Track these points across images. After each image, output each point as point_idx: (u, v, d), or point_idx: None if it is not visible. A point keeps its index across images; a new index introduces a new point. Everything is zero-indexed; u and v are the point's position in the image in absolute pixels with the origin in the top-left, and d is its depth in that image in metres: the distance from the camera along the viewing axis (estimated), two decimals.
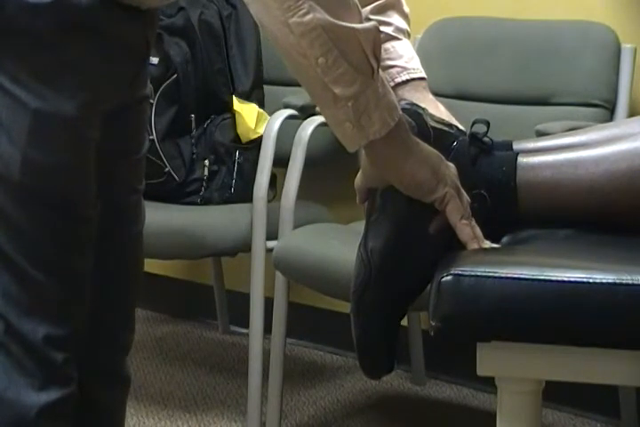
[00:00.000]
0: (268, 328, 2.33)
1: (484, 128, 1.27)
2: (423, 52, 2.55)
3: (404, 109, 1.26)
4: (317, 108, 1.25)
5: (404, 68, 1.41)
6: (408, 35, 1.46)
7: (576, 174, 1.23)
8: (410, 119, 1.25)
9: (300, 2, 1.11)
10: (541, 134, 1.94)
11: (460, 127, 1.32)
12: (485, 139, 1.27)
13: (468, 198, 1.21)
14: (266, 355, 2.33)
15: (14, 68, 1.23)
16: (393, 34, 1.42)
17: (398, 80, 1.40)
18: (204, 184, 2.56)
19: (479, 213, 1.22)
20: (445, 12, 2.59)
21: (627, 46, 2.33)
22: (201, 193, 2.56)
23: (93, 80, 1.27)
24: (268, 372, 2.32)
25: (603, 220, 1.22)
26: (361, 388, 2.67)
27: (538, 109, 2.37)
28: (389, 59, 1.41)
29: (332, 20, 1.11)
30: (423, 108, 1.29)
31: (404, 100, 1.31)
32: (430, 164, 1.19)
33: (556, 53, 2.38)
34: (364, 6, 1.41)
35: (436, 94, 2.45)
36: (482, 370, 1.12)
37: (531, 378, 1.13)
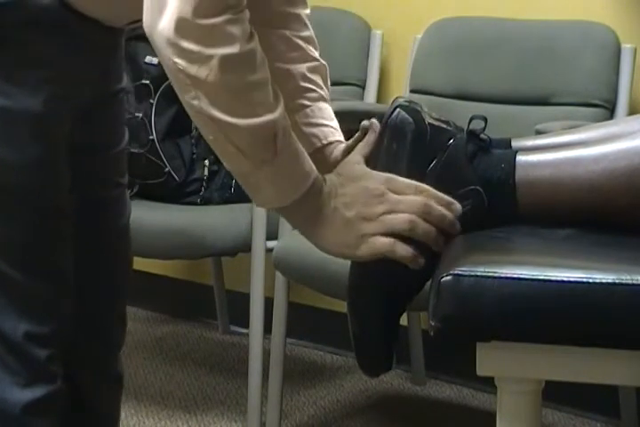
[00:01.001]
0: (268, 328, 2.33)
1: (482, 124, 1.27)
2: (423, 52, 2.56)
3: (401, 106, 1.26)
4: None
5: (336, 130, 1.40)
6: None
7: (575, 173, 1.23)
8: (407, 116, 1.25)
9: (189, 87, 1.11)
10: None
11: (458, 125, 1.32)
12: (483, 136, 1.27)
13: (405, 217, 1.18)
14: (266, 355, 2.33)
15: None
16: (325, 96, 1.42)
17: (331, 139, 1.39)
18: (204, 184, 2.56)
19: (475, 209, 1.22)
20: (445, 12, 2.59)
21: (627, 46, 2.33)
22: (201, 193, 2.56)
23: (58, 76, 1.27)
24: (268, 372, 2.32)
25: (602, 219, 1.22)
26: (361, 388, 2.67)
27: (538, 109, 2.37)
28: (322, 117, 1.40)
29: (215, 112, 1.11)
30: (420, 105, 1.28)
31: (402, 97, 1.31)
32: (345, 224, 1.19)
33: (556, 53, 2.38)
34: (300, 62, 1.41)
35: (436, 94, 2.48)
36: (482, 370, 1.11)
37: (531, 378, 1.13)
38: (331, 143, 1.38)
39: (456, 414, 2.55)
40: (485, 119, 1.27)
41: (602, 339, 1.07)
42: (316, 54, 1.43)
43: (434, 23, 2.57)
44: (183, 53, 1.09)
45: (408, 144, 1.23)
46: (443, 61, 2.52)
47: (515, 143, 1.31)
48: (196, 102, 1.11)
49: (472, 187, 1.23)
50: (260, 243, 2.33)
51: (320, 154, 1.37)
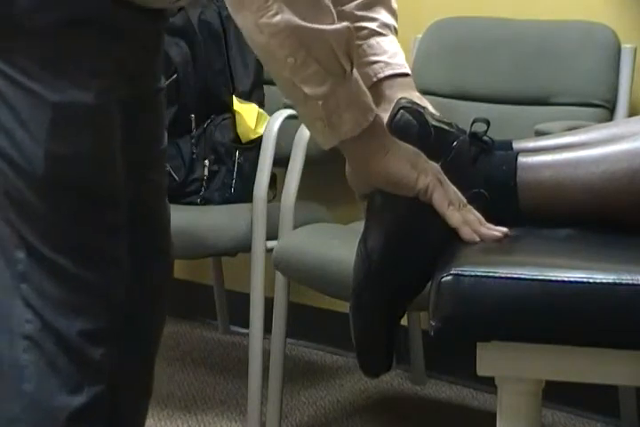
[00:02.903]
0: (268, 328, 2.33)
1: (484, 127, 1.27)
2: (423, 52, 2.56)
3: (404, 108, 1.26)
4: None
5: (388, 64, 1.41)
6: (395, 30, 1.45)
7: (576, 174, 1.23)
8: (410, 117, 1.25)
9: (269, 3, 1.12)
10: (541, 134, 1.93)
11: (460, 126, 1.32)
12: (485, 138, 1.27)
13: (455, 188, 1.21)
14: (266, 355, 2.33)
15: (29, 65, 1.23)
16: (377, 29, 1.42)
17: (381, 75, 1.40)
18: (204, 184, 2.56)
19: (479, 213, 1.22)
20: (445, 12, 2.59)
21: (627, 46, 2.33)
22: (201, 193, 2.56)
23: (106, 70, 1.26)
24: (268, 372, 2.32)
25: (603, 220, 1.22)
26: (361, 388, 2.67)
27: (538, 109, 2.37)
28: (373, 54, 1.41)
29: (300, 21, 1.12)
30: (424, 107, 1.29)
31: (405, 98, 1.31)
32: (408, 158, 1.20)
33: (556, 53, 2.38)
34: (350, 1, 1.41)
35: (436, 94, 2.48)
36: (482, 370, 1.12)
37: (531, 378, 1.13)
38: (382, 79, 1.39)
39: (456, 414, 2.55)
40: (488, 122, 1.27)
41: (602, 339, 1.07)
42: None
43: (434, 23, 2.57)
44: None
45: (412, 146, 1.24)
46: (443, 61, 2.52)
47: (516, 145, 1.32)
48: (277, 18, 1.12)
49: (476, 190, 1.24)
50: (260, 243, 2.33)
51: (373, 91, 1.36)
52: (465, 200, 1.21)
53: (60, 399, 1.28)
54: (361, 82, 1.19)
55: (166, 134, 1.47)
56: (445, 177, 1.21)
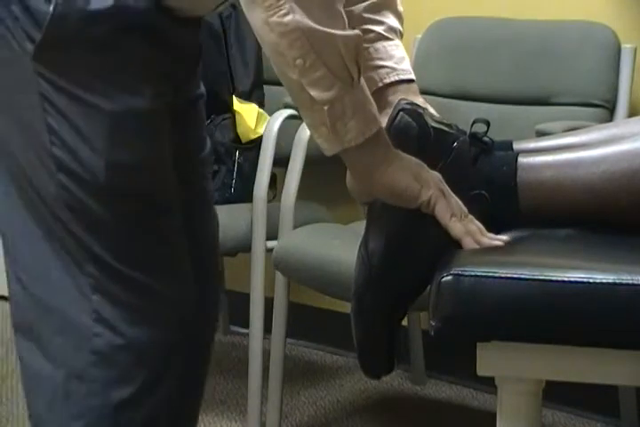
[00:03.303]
0: (268, 328, 2.33)
1: (484, 128, 1.27)
2: (423, 52, 2.56)
3: (403, 109, 1.26)
4: None
5: (394, 69, 1.41)
6: (400, 34, 1.46)
7: (576, 175, 1.23)
8: (410, 119, 1.25)
9: (282, 2, 1.11)
10: (541, 134, 1.94)
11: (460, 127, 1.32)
12: (486, 139, 1.27)
13: (457, 199, 1.22)
14: (266, 355, 2.33)
15: (81, 76, 1.23)
16: (384, 33, 1.42)
17: (387, 81, 1.40)
18: None
19: (480, 214, 1.22)
20: (445, 12, 2.59)
21: (627, 46, 2.33)
22: None
23: (154, 76, 1.27)
24: (268, 372, 2.32)
25: (603, 220, 1.22)
26: (361, 388, 2.67)
27: (538, 109, 2.37)
28: (379, 59, 1.41)
29: (311, 23, 1.12)
30: (423, 108, 1.29)
31: (405, 99, 1.31)
32: (410, 170, 1.20)
33: (556, 53, 2.38)
34: (357, 3, 1.41)
35: (436, 94, 2.48)
36: (482, 370, 1.12)
37: (531, 378, 1.13)
38: (388, 85, 1.39)
39: (456, 414, 2.55)
40: (488, 123, 1.27)
41: (602, 339, 1.07)
42: None
43: (434, 23, 2.57)
44: None
45: (412, 148, 1.24)
46: (443, 61, 2.52)
47: (516, 145, 1.32)
48: (289, 18, 1.11)
49: (477, 191, 1.24)
50: (260, 243, 2.33)
51: (378, 96, 1.37)
52: (466, 210, 1.21)
53: (124, 415, 1.30)
54: (367, 91, 1.19)
55: (207, 141, 1.46)
56: (447, 188, 1.21)
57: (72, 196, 1.25)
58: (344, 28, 1.14)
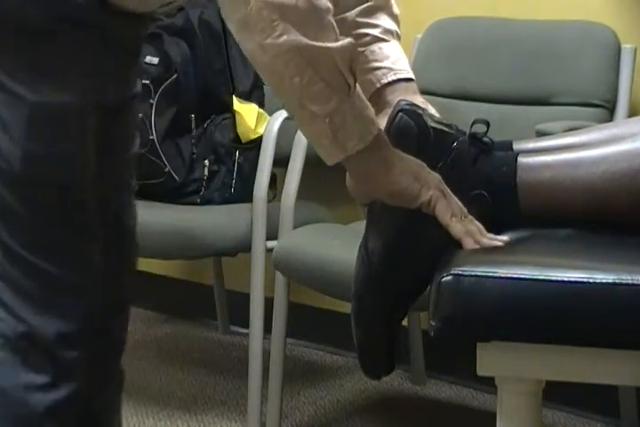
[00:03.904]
0: (268, 328, 2.33)
1: (484, 128, 1.27)
2: (423, 52, 2.56)
3: (403, 110, 1.26)
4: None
5: (391, 69, 1.41)
6: (397, 36, 1.46)
7: (576, 175, 1.23)
8: (409, 120, 1.25)
9: (275, 24, 1.11)
10: (541, 134, 1.94)
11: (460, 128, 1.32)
12: (485, 139, 1.27)
13: (457, 199, 1.22)
14: (266, 355, 2.33)
15: (12, 64, 1.23)
16: (380, 36, 1.43)
17: (384, 81, 1.41)
18: (204, 184, 2.56)
19: (480, 214, 1.22)
20: (445, 12, 2.59)
21: (627, 46, 2.33)
22: (201, 193, 2.56)
23: (88, 72, 1.27)
24: (268, 372, 2.32)
25: (603, 220, 1.22)
26: (361, 388, 2.67)
27: (538, 109, 2.37)
28: (375, 60, 1.41)
29: (306, 41, 1.12)
30: (423, 109, 1.29)
31: (404, 100, 1.32)
32: (411, 171, 1.21)
33: (556, 53, 2.38)
34: (351, 9, 1.42)
35: (436, 94, 2.48)
36: (482, 370, 1.12)
37: (531, 378, 1.13)
38: (385, 85, 1.40)
39: (456, 414, 2.55)
40: (488, 123, 1.27)
41: (602, 339, 1.07)
42: None
43: (434, 23, 2.57)
44: None
45: (412, 148, 1.24)
46: (443, 61, 2.52)
47: (516, 146, 1.32)
48: (283, 39, 1.11)
49: (477, 191, 1.24)
50: (260, 243, 2.33)
51: (377, 97, 1.39)
52: (466, 211, 1.21)
53: (34, 396, 1.29)
54: (362, 95, 1.19)
55: (139, 140, 1.47)
56: (447, 188, 1.21)
57: None
58: (337, 39, 1.15)
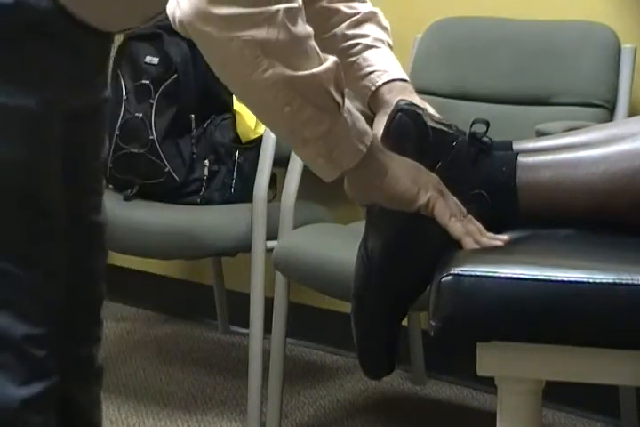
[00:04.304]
0: (268, 328, 2.33)
1: (484, 128, 1.27)
2: (423, 52, 2.56)
3: (402, 110, 1.26)
4: None
5: (384, 71, 1.42)
6: (389, 45, 1.47)
7: (576, 175, 1.23)
8: (408, 119, 1.25)
9: (259, 59, 1.11)
10: (541, 134, 1.94)
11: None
12: (485, 139, 1.27)
13: (455, 199, 1.22)
14: (266, 355, 2.33)
15: None
16: (371, 43, 1.44)
17: (379, 83, 1.41)
18: (204, 184, 2.56)
19: (479, 214, 1.22)
20: (445, 12, 2.59)
21: (627, 46, 2.33)
22: (201, 193, 2.56)
23: (53, 78, 1.28)
24: (268, 372, 2.32)
25: (603, 220, 1.22)
26: (361, 388, 2.67)
27: (538, 109, 2.37)
28: (368, 66, 1.42)
29: (292, 72, 1.12)
30: (422, 109, 1.29)
31: (404, 100, 1.32)
32: (408, 174, 1.21)
33: (557, 53, 2.38)
34: (340, 24, 1.43)
35: (436, 94, 2.48)
36: (482, 370, 1.12)
37: (531, 378, 1.13)
38: (381, 86, 1.40)
39: (456, 414, 2.55)
40: (487, 123, 1.27)
41: (602, 339, 1.07)
42: (359, 6, 1.45)
43: (434, 23, 2.57)
44: (249, 19, 1.09)
45: (411, 148, 1.24)
46: (443, 61, 2.52)
47: (516, 145, 1.32)
48: (269, 73, 1.11)
49: (476, 191, 1.24)
50: (260, 243, 2.33)
51: (374, 99, 1.40)
52: (465, 211, 1.21)
53: (9, 390, 1.31)
54: (352, 107, 1.19)
55: (107, 144, 1.49)
56: (446, 188, 1.21)
57: None
58: (320, 62, 1.15)
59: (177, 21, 1.12)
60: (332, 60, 1.16)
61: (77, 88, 1.33)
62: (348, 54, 1.42)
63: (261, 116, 1.20)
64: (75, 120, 1.34)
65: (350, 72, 1.41)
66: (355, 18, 1.44)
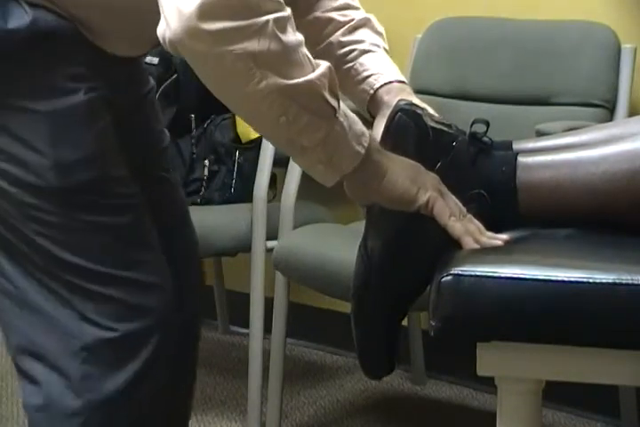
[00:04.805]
0: (268, 328, 2.33)
1: (484, 128, 1.27)
2: (423, 52, 2.56)
3: (402, 110, 1.26)
4: None
5: (382, 74, 1.43)
6: (385, 50, 1.47)
7: (576, 175, 1.23)
8: (409, 120, 1.25)
9: (252, 71, 1.11)
10: (541, 134, 1.93)
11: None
12: (485, 138, 1.27)
13: (455, 199, 1.22)
14: (266, 355, 2.33)
15: (11, 84, 1.25)
16: (367, 48, 1.45)
17: (377, 85, 1.42)
18: (204, 184, 2.56)
19: (479, 213, 1.22)
20: (445, 12, 2.59)
21: (627, 46, 2.33)
22: (201, 193, 2.56)
23: (83, 74, 1.28)
24: (268, 372, 2.32)
25: (603, 220, 1.22)
26: (361, 388, 2.67)
27: (538, 109, 2.37)
28: (366, 70, 1.43)
29: (286, 81, 1.12)
30: (422, 108, 1.29)
31: (403, 100, 1.32)
32: (407, 174, 1.21)
33: (556, 53, 2.38)
34: (335, 32, 1.43)
35: (436, 94, 2.48)
36: (482, 370, 1.12)
37: (531, 378, 1.13)
38: (379, 88, 1.41)
39: (456, 414, 2.55)
40: (487, 123, 1.27)
41: (602, 339, 1.07)
42: (352, 14, 1.46)
43: (434, 23, 2.57)
44: (239, 33, 1.09)
45: (411, 148, 1.24)
46: (443, 61, 2.52)
47: (516, 145, 1.32)
48: (264, 84, 1.11)
49: (476, 191, 1.24)
50: (260, 243, 2.33)
51: (373, 101, 1.40)
52: (465, 210, 1.21)
53: (119, 401, 1.32)
54: (348, 111, 1.20)
55: (167, 133, 1.49)
56: (445, 188, 1.21)
57: (26, 205, 1.27)
58: (313, 69, 1.15)
59: (167, 41, 1.12)
60: (324, 65, 1.16)
61: (116, 84, 1.34)
62: (344, 61, 1.43)
63: (259, 128, 1.20)
64: (122, 116, 1.35)
65: (348, 78, 1.42)
66: (349, 25, 1.45)
